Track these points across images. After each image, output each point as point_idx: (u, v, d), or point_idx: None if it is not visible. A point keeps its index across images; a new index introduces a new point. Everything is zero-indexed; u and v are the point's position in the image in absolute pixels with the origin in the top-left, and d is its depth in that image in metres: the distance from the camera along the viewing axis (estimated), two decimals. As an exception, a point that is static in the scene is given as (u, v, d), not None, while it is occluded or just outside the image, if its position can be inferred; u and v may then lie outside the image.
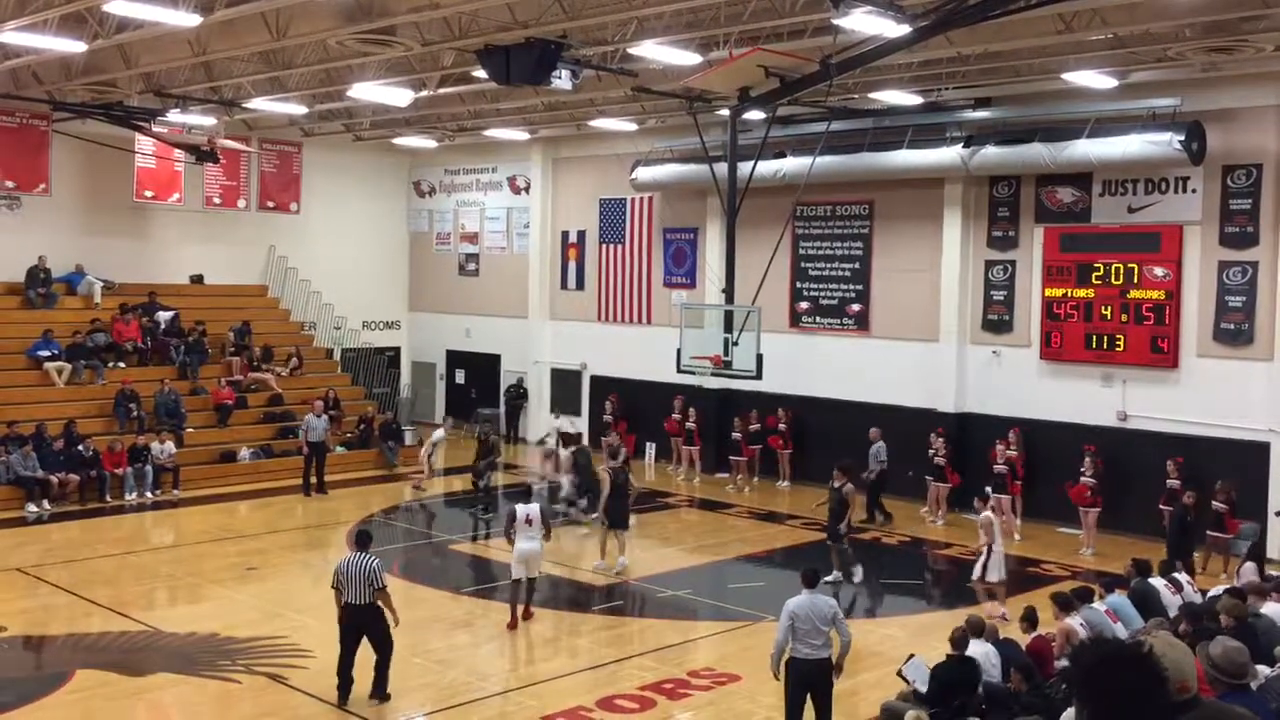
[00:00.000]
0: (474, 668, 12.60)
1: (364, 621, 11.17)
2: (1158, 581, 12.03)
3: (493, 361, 29.61)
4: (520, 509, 14.24)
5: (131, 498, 21.07)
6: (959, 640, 9.71)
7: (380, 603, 11.19)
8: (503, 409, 28.70)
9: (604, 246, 27.11)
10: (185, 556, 17.38)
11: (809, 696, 9.75)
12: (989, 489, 16.54)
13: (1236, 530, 16.88)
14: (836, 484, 15.92)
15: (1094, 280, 19.43)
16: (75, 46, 16.38)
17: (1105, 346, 19.37)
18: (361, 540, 11.59)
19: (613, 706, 11.24)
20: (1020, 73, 18.17)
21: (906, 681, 9.98)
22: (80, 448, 20.94)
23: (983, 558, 14.51)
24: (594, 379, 27.29)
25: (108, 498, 20.87)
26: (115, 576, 16.13)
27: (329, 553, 18.07)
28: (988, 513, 14.64)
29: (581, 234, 27.65)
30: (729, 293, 19.17)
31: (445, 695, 11.63)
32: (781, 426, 22.67)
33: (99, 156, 24.79)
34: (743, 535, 19.32)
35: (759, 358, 17.94)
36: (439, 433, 22.97)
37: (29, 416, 21.26)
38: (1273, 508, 17.48)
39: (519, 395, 28.51)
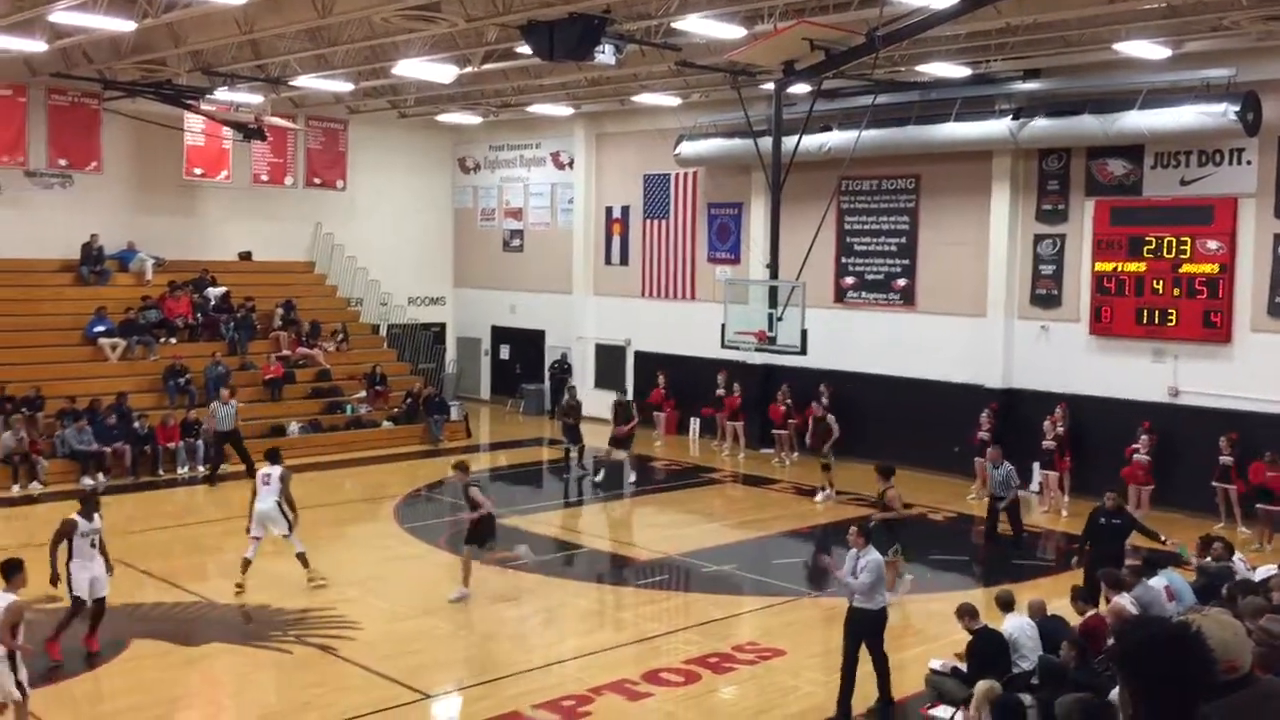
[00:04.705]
0: (520, 640, 12.73)
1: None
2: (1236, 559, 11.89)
3: (537, 337, 29.72)
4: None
5: (183, 471, 21.42)
6: (968, 612, 10.18)
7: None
8: (547, 385, 28.83)
9: (648, 222, 27.07)
10: (236, 529, 17.55)
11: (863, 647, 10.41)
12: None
13: None
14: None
15: (1145, 254, 19.14)
16: (125, 26, 16.57)
17: (1156, 321, 19.10)
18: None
19: (658, 679, 11.31)
20: (1070, 43, 17.88)
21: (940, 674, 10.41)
22: (136, 425, 21.31)
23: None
24: (638, 354, 27.32)
25: (160, 471, 21.24)
26: (169, 548, 16.44)
27: (377, 526, 18.31)
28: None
29: (625, 209, 27.62)
30: (773, 268, 19.07)
31: (492, 667, 11.76)
32: (824, 401, 22.55)
33: (149, 135, 25.10)
34: (786, 510, 19.32)
35: (804, 333, 17.86)
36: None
37: (84, 391, 21.67)
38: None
39: (563, 371, 28.62)
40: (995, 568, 15.86)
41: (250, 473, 20.93)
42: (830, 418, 20.39)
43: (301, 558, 14.26)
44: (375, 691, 11.00)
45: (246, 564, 14.14)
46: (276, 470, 14.46)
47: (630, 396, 22.12)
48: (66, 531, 11.58)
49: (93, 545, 11.77)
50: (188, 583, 14.51)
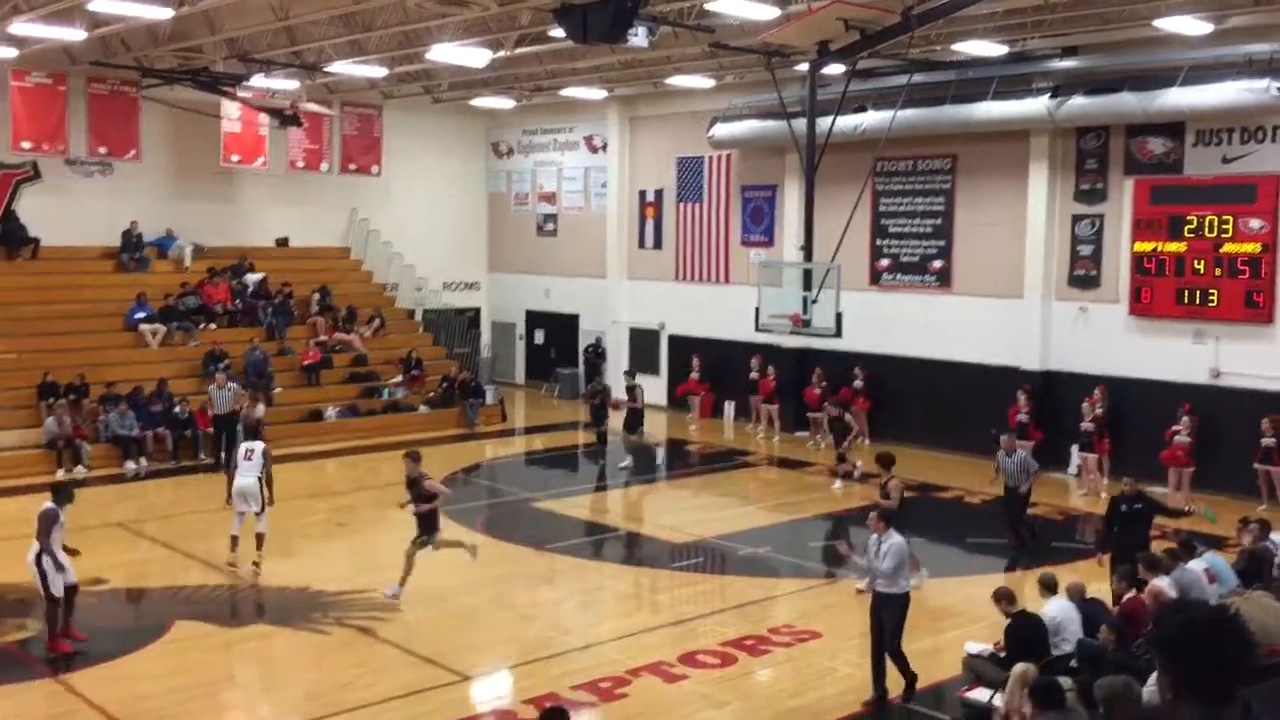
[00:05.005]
0: (557, 622, 12.80)
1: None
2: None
3: (571, 321, 29.78)
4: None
5: (224, 455, 21.62)
6: (1005, 595, 10.19)
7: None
8: (581, 369, 28.89)
9: (681, 205, 27.02)
10: (276, 513, 17.67)
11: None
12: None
13: None
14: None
15: (1186, 234, 18.90)
16: (162, 13, 16.73)
17: (1197, 302, 18.86)
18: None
19: (694, 662, 11.35)
20: (1109, 20, 17.65)
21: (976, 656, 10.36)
22: (177, 410, 21.57)
23: None
24: (672, 338, 27.32)
25: (201, 455, 21.50)
26: (211, 531, 16.61)
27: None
28: None
29: (659, 193, 27.57)
30: (808, 250, 19.02)
31: (529, 649, 11.84)
32: (858, 384, 22.47)
33: (186, 122, 25.31)
34: (821, 493, 19.28)
35: (839, 316, 17.80)
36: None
37: (126, 377, 21.95)
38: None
39: (597, 355, 28.66)
40: (1029, 551, 15.75)
41: (227, 459, 19.91)
42: (848, 416, 19.85)
43: (259, 538, 14.34)
44: (414, 672, 11.11)
45: (239, 540, 14.34)
46: (259, 446, 14.65)
47: (635, 380, 21.94)
48: (52, 521, 11.43)
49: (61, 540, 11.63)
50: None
